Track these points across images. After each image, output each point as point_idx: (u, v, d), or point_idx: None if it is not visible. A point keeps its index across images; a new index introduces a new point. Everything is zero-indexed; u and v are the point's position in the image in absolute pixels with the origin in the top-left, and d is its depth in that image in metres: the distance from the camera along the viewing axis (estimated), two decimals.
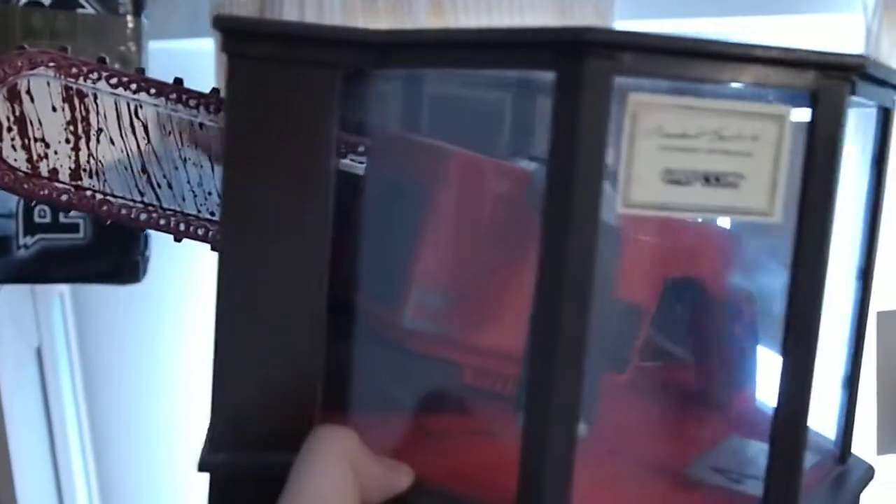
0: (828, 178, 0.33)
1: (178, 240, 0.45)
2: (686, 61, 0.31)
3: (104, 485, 1.23)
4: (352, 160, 0.45)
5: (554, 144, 0.31)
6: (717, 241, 0.47)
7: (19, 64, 0.43)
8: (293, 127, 0.35)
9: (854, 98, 0.35)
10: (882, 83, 0.39)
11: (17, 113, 0.43)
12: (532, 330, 0.32)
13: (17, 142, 0.43)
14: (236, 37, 0.35)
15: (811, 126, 0.33)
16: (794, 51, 0.32)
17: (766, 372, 0.49)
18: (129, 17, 0.60)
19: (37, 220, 0.58)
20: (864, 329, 0.41)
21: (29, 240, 0.57)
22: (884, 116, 0.40)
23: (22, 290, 0.84)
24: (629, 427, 0.42)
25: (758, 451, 0.43)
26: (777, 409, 0.35)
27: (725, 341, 0.47)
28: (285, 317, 0.36)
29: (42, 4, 0.59)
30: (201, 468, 0.37)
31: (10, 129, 0.43)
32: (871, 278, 0.41)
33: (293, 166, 0.36)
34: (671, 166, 0.32)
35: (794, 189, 0.34)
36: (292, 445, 0.35)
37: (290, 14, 1.06)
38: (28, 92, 0.43)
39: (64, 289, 0.96)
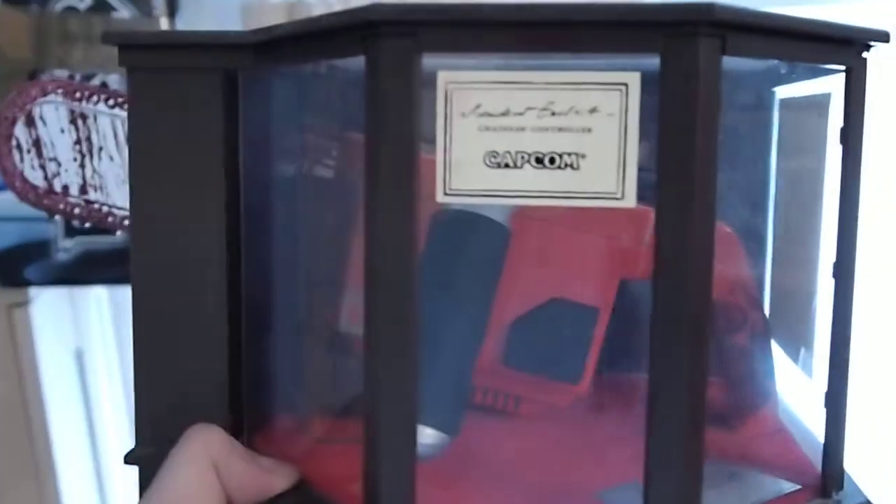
0: (686, 156, 0.28)
1: None
2: (497, 33, 0.28)
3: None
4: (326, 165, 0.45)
5: (366, 133, 0.30)
6: None
7: (33, 93, 0.47)
8: (185, 132, 0.36)
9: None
10: (840, 42, 0.33)
11: (34, 136, 0.48)
12: (365, 326, 0.31)
13: (35, 161, 0.48)
14: (127, 49, 0.36)
15: (660, 99, 0.28)
16: (632, 8, 0.28)
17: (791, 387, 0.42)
18: (162, 20, 0.64)
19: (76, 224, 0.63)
20: (844, 334, 0.34)
21: (69, 243, 0.62)
22: (847, 79, 0.33)
23: (60, 293, 0.87)
24: (566, 445, 0.38)
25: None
26: None
27: (725, 353, 0.41)
28: (190, 319, 0.37)
29: (78, 10, 0.63)
30: (126, 461, 0.38)
31: (29, 151, 0.48)
32: (851, 276, 0.34)
33: (189, 171, 0.37)
34: (495, 148, 0.29)
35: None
36: None
37: None
38: (41, 117, 0.48)
39: (102, 292, 0.99)
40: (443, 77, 0.29)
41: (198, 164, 0.36)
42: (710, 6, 0.27)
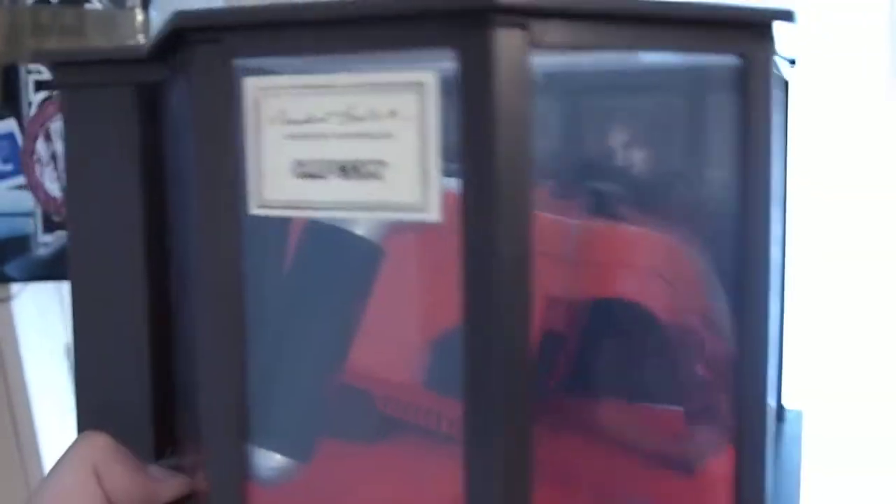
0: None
1: None
2: (295, 34, 0.27)
3: None
4: None
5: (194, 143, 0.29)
6: (653, 253, 0.36)
7: (50, 110, 0.51)
8: (106, 149, 0.37)
9: None
10: (724, 26, 0.28)
11: (52, 151, 0.51)
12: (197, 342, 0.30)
13: (53, 174, 0.51)
14: (53, 67, 0.38)
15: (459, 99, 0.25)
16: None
17: None
18: (137, 11, 0.63)
19: (55, 218, 0.65)
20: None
21: (48, 238, 0.63)
22: (743, 69, 0.28)
23: (48, 288, 0.85)
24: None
25: None
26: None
27: (681, 385, 0.36)
28: (117, 332, 0.38)
29: (49, 2, 0.62)
30: None
31: (48, 165, 0.51)
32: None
33: (108, 186, 0.37)
34: (301, 157, 0.27)
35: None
36: None
37: None
38: (55, 132, 0.51)
39: None
40: (250, 83, 0.28)
41: (117, 177, 0.37)
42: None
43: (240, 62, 0.28)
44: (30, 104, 0.81)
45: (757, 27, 0.29)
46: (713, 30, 0.28)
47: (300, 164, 0.27)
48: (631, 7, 0.26)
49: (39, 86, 0.91)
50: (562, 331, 0.37)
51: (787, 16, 0.28)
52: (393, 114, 0.26)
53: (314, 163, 0.27)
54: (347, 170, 0.27)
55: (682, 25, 0.28)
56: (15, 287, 0.73)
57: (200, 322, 0.29)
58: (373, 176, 0.26)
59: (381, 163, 0.26)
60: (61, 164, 0.51)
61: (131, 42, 0.68)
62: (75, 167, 0.38)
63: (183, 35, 0.28)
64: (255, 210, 0.28)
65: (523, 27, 0.25)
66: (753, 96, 0.29)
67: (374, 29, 0.26)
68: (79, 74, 0.37)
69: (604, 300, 0.37)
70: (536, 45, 0.25)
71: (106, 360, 0.38)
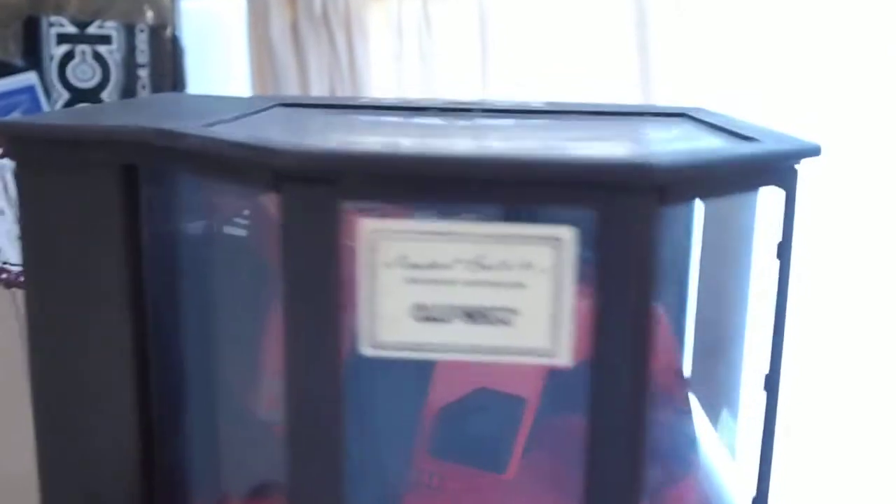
0: (622, 307, 0.27)
1: None
2: (428, 187, 0.26)
3: None
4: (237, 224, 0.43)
5: (284, 280, 0.27)
6: None
7: None
8: (80, 230, 0.33)
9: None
10: (777, 159, 0.31)
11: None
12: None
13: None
14: (14, 142, 0.33)
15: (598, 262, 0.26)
16: (559, 163, 0.26)
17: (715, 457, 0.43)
18: None
19: None
20: (770, 444, 0.34)
21: None
22: (787, 200, 0.32)
23: None
24: None
25: None
26: None
27: (656, 431, 0.41)
28: (96, 430, 0.35)
29: None
30: None
31: None
32: (777, 389, 0.34)
33: (86, 270, 0.34)
34: (423, 301, 0.27)
35: None
36: None
37: None
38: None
39: None
40: (365, 225, 0.27)
41: (97, 265, 0.34)
42: (649, 167, 0.25)
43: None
44: (51, 57, 0.81)
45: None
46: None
47: (421, 307, 0.27)
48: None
49: (61, 39, 0.82)
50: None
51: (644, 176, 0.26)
52: (527, 266, 0.27)
53: (437, 307, 0.27)
54: (474, 315, 0.27)
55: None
56: None
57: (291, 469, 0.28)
58: (501, 322, 0.27)
59: (511, 310, 0.27)
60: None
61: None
62: (39, 255, 0.34)
63: (290, 170, 0.26)
64: (367, 350, 0.28)
65: (660, 191, 0.26)
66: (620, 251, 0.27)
67: (509, 189, 0.26)
68: (52, 153, 0.32)
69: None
70: (671, 203, 0.27)
71: (86, 458, 0.35)
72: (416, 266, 0.27)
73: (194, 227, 0.38)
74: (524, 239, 0.27)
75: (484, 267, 0.27)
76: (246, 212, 0.43)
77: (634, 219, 0.26)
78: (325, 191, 0.26)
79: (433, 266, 0.27)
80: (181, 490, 0.38)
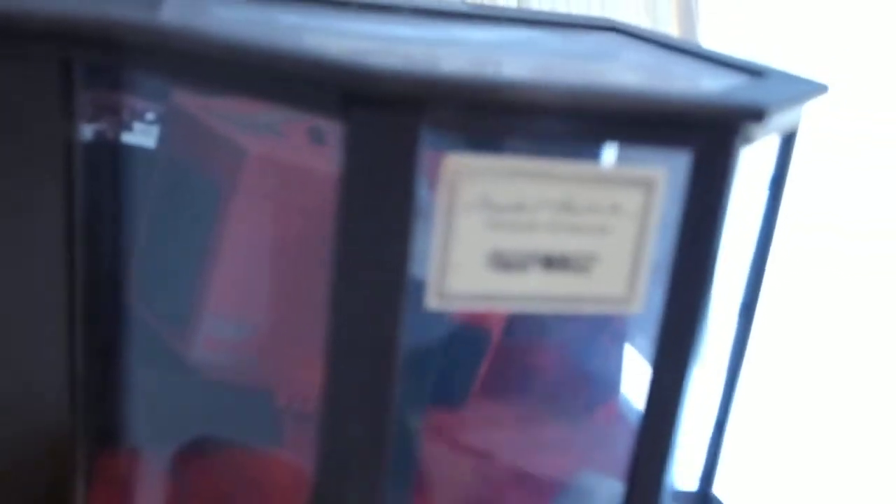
0: (703, 253, 0.26)
1: None
2: (514, 114, 0.23)
3: None
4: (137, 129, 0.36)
5: (345, 213, 0.23)
6: None
7: None
8: (17, 126, 0.26)
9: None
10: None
11: None
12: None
13: None
14: None
15: (690, 191, 0.25)
16: (667, 101, 0.24)
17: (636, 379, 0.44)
18: None
19: None
20: (738, 368, 0.35)
21: None
22: (784, 144, 0.32)
23: None
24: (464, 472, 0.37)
25: (610, 490, 0.38)
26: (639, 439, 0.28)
27: (591, 353, 0.41)
28: (26, 338, 0.28)
29: None
30: None
31: None
32: (753, 315, 0.35)
33: (14, 166, 0.27)
34: (502, 247, 0.24)
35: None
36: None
37: None
38: None
39: None
40: (450, 162, 0.23)
41: (34, 169, 0.26)
42: (761, 107, 0.24)
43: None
44: None
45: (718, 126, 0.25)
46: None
47: (498, 254, 0.24)
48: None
49: None
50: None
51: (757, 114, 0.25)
52: (615, 209, 0.24)
53: (515, 254, 0.24)
54: (553, 262, 0.24)
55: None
56: None
57: (338, 424, 0.25)
58: (580, 269, 0.25)
59: (592, 257, 0.25)
60: None
61: None
62: None
63: (374, 96, 0.21)
64: (435, 304, 0.24)
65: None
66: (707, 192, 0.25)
67: (609, 123, 0.23)
68: None
69: None
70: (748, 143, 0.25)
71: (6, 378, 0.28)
72: (498, 208, 0.24)
73: (132, 138, 0.32)
74: (616, 181, 0.24)
75: (570, 210, 0.24)
76: (154, 115, 0.36)
77: (727, 159, 0.24)
78: (407, 119, 0.22)
79: (517, 209, 0.24)
80: (108, 439, 0.33)
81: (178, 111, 0.34)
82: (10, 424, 0.29)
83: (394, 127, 0.22)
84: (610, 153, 0.30)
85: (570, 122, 0.23)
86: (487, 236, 0.24)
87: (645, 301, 0.26)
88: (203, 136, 0.34)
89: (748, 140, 0.25)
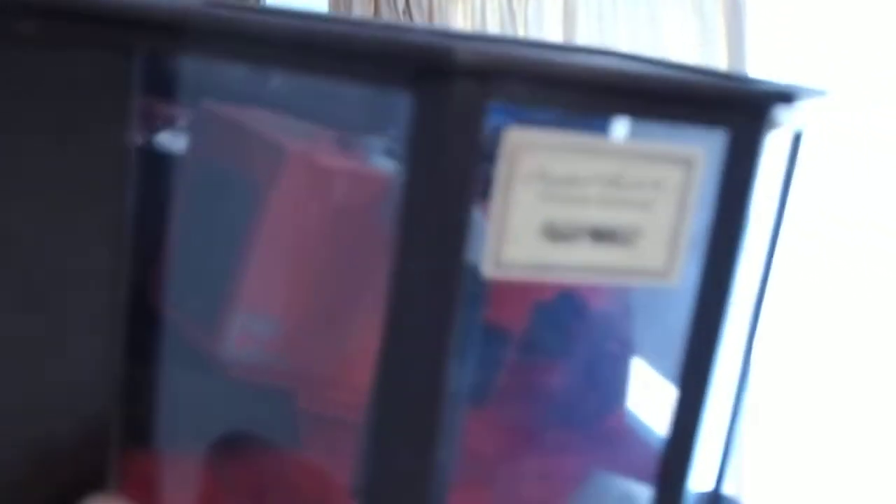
0: (736, 230, 0.28)
1: None
2: (580, 92, 0.25)
3: None
4: (167, 136, 0.37)
5: (412, 178, 0.24)
6: None
7: None
8: (74, 116, 0.27)
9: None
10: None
11: None
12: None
13: None
14: None
15: (725, 169, 0.27)
16: (695, 83, 0.26)
17: (644, 388, 0.45)
18: None
19: None
20: (749, 365, 0.37)
21: None
22: (794, 142, 0.34)
23: None
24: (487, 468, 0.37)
25: (623, 491, 0.39)
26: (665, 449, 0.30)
27: (599, 361, 0.42)
28: (70, 334, 0.29)
29: None
30: None
31: None
32: (761, 309, 0.37)
33: (72, 164, 0.27)
34: (555, 219, 0.26)
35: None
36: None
37: None
38: None
39: None
40: (510, 135, 0.24)
41: (90, 161, 0.27)
42: (791, 93, 0.26)
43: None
44: None
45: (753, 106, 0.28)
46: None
47: (550, 225, 0.25)
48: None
49: None
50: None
51: (787, 97, 0.28)
52: (657, 184, 0.26)
53: (567, 225, 0.26)
54: (601, 235, 0.26)
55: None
56: None
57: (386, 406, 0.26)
58: (625, 242, 0.26)
59: (636, 230, 0.26)
60: None
61: None
62: (12, 129, 0.26)
63: (447, 67, 0.23)
64: (492, 272, 0.25)
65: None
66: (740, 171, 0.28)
67: (654, 101, 0.25)
68: (48, 27, 0.25)
69: (556, 296, 0.40)
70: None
71: (54, 370, 0.29)
72: (553, 181, 0.25)
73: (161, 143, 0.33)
74: (660, 157, 0.26)
75: (617, 185, 0.26)
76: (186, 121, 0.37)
77: (755, 142, 0.26)
78: (475, 91, 0.24)
79: (571, 182, 0.25)
80: (136, 438, 0.33)
81: (211, 115, 0.35)
82: (48, 420, 0.30)
83: (461, 96, 0.24)
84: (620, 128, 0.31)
85: (620, 100, 0.25)
86: (542, 208, 0.25)
87: (682, 275, 0.27)
88: (239, 137, 0.35)
89: (776, 124, 0.27)
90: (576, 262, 0.26)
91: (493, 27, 1.09)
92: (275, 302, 0.34)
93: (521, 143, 0.25)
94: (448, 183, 0.24)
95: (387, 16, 1.07)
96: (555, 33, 1.09)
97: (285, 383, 0.36)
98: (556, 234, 0.26)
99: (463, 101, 0.23)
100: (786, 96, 0.26)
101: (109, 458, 0.30)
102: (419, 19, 1.07)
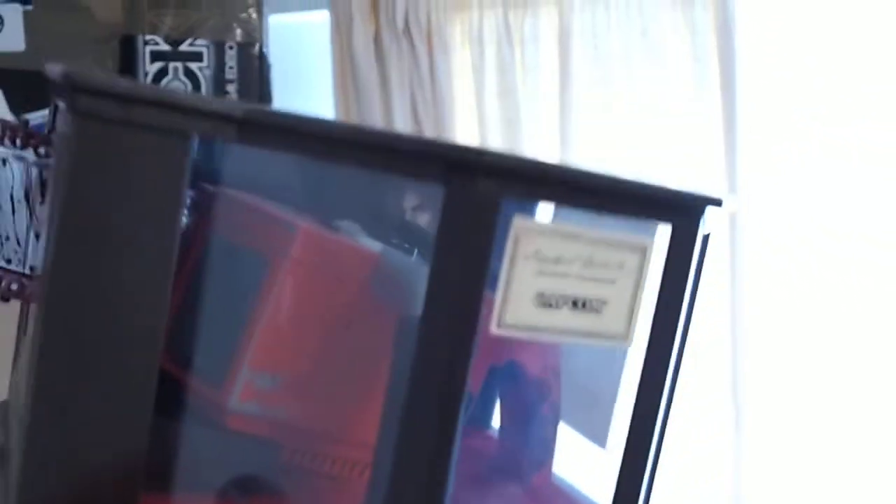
0: (675, 310, 0.35)
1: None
2: (572, 191, 0.32)
3: None
4: None
5: (436, 261, 0.31)
6: None
7: None
8: (139, 192, 0.32)
9: None
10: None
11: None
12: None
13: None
14: (87, 96, 0.30)
15: (667, 257, 0.34)
16: (652, 187, 0.34)
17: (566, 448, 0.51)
18: None
19: None
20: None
21: None
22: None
23: None
24: None
25: None
26: None
27: (533, 421, 0.48)
28: (113, 388, 0.33)
29: None
30: None
31: None
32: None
33: (136, 231, 0.32)
34: (544, 290, 0.32)
35: None
36: None
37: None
38: None
39: None
40: (517, 222, 0.31)
41: (149, 228, 0.32)
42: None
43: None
44: (146, 74, 0.90)
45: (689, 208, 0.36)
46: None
47: (542, 295, 0.32)
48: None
49: (155, 56, 0.91)
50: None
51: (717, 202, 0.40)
52: (620, 265, 0.33)
53: (553, 296, 0.32)
54: (578, 305, 0.33)
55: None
56: None
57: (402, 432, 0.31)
58: (595, 311, 0.33)
59: (603, 302, 0.33)
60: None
61: (244, 16, 0.76)
62: (88, 202, 0.31)
63: (471, 166, 0.30)
64: (495, 331, 0.32)
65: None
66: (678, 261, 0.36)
67: (617, 199, 0.33)
68: (128, 112, 0.31)
69: (503, 363, 0.46)
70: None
71: (98, 419, 0.32)
72: (545, 259, 0.32)
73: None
74: (622, 244, 0.33)
75: (592, 265, 0.33)
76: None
77: (695, 231, 0.34)
78: (491, 186, 0.30)
79: (558, 261, 0.32)
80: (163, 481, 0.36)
81: (224, 196, 0.40)
82: (90, 464, 0.33)
83: (484, 191, 0.30)
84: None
85: (598, 199, 0.32)
86: (536, 281, 0.32)
87: (634, 339, 0.34)
88: (250, 215, 0.40)
89: (706, 221, 0.35)
90: (559, 326, 0.33)
91: (490, 42, 1.17)
92: (279, 361, 0.38)
93: (525, 228, 0.31)
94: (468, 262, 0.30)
95: (386, 34, 1.14)
96: (550, 47, 1.16)
97: (280, 437, 0.40)
98: (545, 302, 0.32)
99: (485, 195, 0.30)
100: (716, 201, 0.34)
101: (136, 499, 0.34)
102: (418, 38, 1.14)
